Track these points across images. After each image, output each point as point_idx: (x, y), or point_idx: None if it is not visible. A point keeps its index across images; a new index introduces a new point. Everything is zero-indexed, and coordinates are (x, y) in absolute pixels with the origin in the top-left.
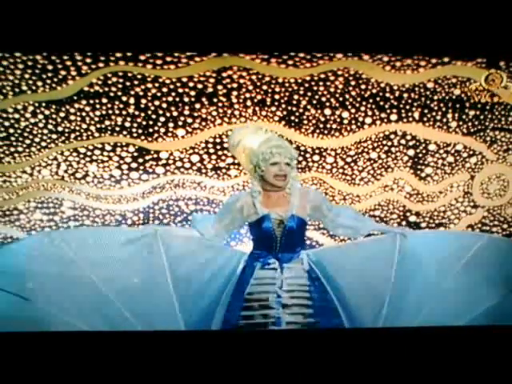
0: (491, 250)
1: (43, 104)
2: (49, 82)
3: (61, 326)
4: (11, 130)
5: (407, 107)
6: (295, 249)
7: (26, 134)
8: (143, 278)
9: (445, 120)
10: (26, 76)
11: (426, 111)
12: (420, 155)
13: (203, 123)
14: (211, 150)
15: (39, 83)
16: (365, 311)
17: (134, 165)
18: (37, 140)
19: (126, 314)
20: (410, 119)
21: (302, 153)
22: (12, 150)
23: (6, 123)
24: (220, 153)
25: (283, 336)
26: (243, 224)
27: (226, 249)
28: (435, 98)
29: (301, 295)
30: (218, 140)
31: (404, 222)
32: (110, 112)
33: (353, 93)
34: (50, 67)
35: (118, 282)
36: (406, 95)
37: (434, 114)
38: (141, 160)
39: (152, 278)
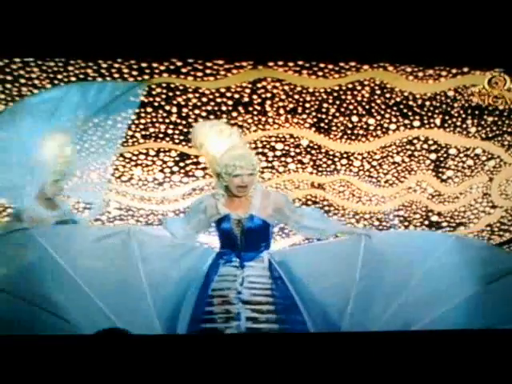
0: (459, 250)
1: None
2: None
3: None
4: None
5: (429, 114)
6: (258, 248)
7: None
8: (117, 276)
9: (464, 126)
10: None
11: (446, 118)
12: (441, 159)
13: (239, 130)
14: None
15: None
16: (329, 309)
17: (175, 168)
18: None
19: (105, 311)
20: (432, 125)
21: (331, 157)
22: None
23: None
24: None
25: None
26: (209, 224)
27: (196, 247)
28: (455, 105)
29: (261, 292)
30: (252, 145)
31: (426, 222)
32: (154, 120)
33: (378, 101)
34: (99, 79)
35: (96, 278)
36: (427, 103)
37: (454, 120)
38: (182, 164)
39: (125, 276)
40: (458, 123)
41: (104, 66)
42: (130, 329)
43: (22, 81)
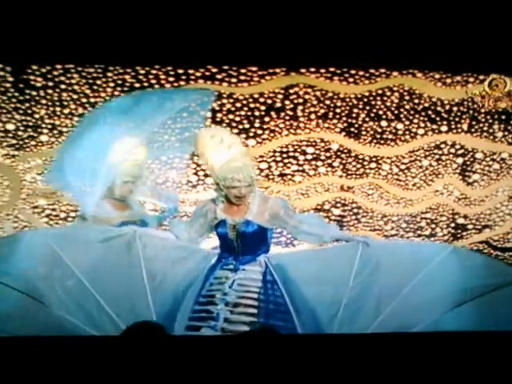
0: (454, 261)
1: None
2: None
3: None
4: None
5: (456, 119)
6: (256, 252)
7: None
8: (120, 276)
9: (491, 130)
10: (116, 93)
11: (473, 123)
12: (468, 163)
13: (271, 134)
14: (278, 158)
15: None
16: (320, 314)
17: (209, 172)
18: (162, 148)
19: (108, 311)
20: (459, 130)
21: (360, 160)
22: None
23: None
24: (286, 161)
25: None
26: (210, 228)
27: (198, 250)
28: (482, 110)
29: (249, 295)
30: (284, 149)
31: (452, 224)
32: (189, 125)
33: (407, 106)
34: (137, 85)
35: (100, 278)
36: (455, 108)
37: (481, 125)
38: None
39: (128, 276)
40: (485, 128)
41: (142, 72)
42: None
43: (63, 86)
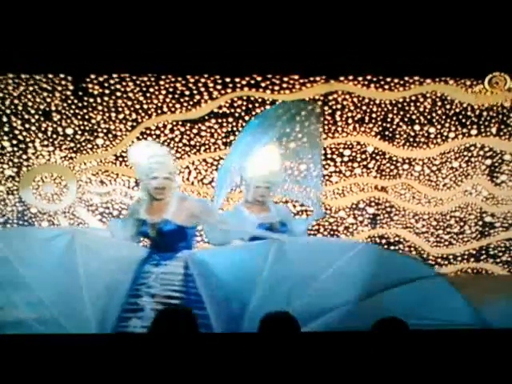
0: (366, 255)
1: (180, 122)
2: (185, 104)
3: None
4: None
5: (486, 123)
6: (176, 249)
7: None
8: (59, 276)
9: None
10: (167, 100)
11: (502, 127)
12: (496, 164)
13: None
14: (298, 163)
15: (177, 106)
16: (233, 306)
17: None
18: (173, 152)
19: (51, 310)
20: (488, 133)
21: (394, 162)
22: None
23: (149, 138)
24: (324, 162)
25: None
26: (137, 227)
27: (132, 247)
28: (511, 115)
29: (171, 288)
30: (322, 151)
31: (480, 222)
32: (235, 129)
33: (439, 111)
34: (187, 92)
35: (43, 278)
36: (485, 113)
37: (509, 128)
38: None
39: (67, 276)
40: None
41: (191, 80)
42: (71, 328)
43: (118, 94)
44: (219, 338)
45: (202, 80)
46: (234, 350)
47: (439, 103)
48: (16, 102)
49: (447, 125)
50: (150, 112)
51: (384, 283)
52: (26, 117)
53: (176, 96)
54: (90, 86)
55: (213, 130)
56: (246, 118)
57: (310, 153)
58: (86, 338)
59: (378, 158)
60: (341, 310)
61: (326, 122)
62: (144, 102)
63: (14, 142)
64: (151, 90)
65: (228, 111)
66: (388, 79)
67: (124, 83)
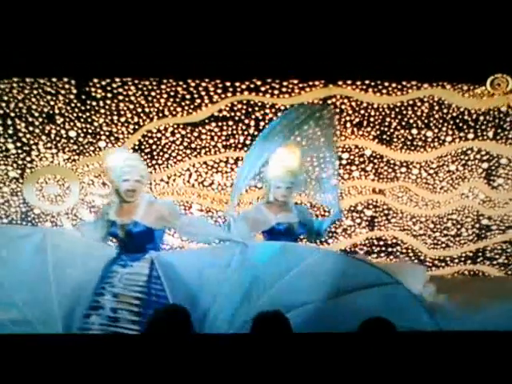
0: (321, 264)
1: (181, 126)
2: (186, 108)
3: None
4: (154, 146)
5: (482, 127)
6: (143, 250)
7: (165, 150)
8: (30, 274)
9: None
10: (169, 103)
11: (499, 131)
12: (493, 167)
13: (309, 141)
14: (315, 163)
15: (179, 109)
16: (197, 308)
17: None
18: (174, 154)
19: (22, 309)
20: (485, 137)
21: (392, 165)
22: (153, 162)
23: (150, 141)
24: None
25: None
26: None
27: (102, 248)
28: (508, 119)
29: (133, 288)
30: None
31: (477, 225)
32: (235, 132)
33: (436, 116)
34: (188, 96)
35: (14, 277)
36: (481, 117)
37: (506, 132)
38: (257, 171)
39: (38, 275)
40: (510, 135)
41: (192, 84)
42: (40, 328)
43: (120, 97)
44: (212, 338)
45: (203, 84)
46: (227, 350)
47: (436, 107)
48: (20, 105)
49: (444, 129)
50: (151, 115)
51: (344, 287)
52: (30, 120)
53: (177, 100)
54: (92, 89)
55: (213, 133)
56: (246, 121)
57: (328, 154)
58: (82, 339)
59: (375, 161)
60: (303, 309)
61: (324, 126)
62: (146, 105)
63: (18, 144)
64: (153, 93)
65: (228, 115)
66: (386, 84)
67: (126, 87)
